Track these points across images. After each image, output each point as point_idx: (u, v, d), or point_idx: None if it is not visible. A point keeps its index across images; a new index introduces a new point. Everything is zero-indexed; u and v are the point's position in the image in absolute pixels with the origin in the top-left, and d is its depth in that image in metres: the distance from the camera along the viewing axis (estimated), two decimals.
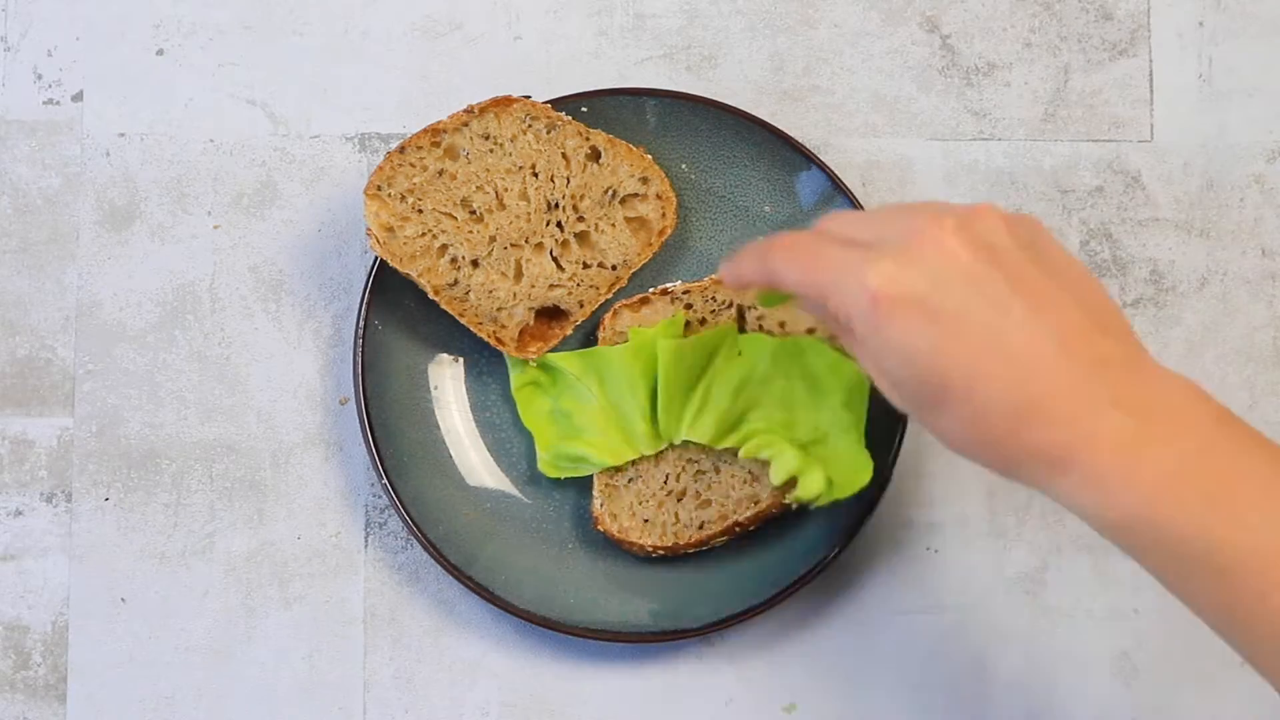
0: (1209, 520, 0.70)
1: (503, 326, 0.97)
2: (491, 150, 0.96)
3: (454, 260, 0.96)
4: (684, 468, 0.97)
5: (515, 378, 0.98)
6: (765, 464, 0.95)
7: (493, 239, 0.96)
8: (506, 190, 0.96)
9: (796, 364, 0.95)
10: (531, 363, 0.97)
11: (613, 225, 0.98)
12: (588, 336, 0.99)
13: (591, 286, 0.98)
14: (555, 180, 0.97)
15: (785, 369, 0.95)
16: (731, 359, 0.96)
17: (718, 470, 0.96)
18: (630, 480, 0.96)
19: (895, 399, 0.75)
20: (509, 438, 0.99)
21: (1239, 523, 0.70)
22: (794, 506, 0.95)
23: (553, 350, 0.98)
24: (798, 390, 0.95)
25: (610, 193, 0.98)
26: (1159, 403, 0.72)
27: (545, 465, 0.97)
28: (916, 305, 0.71)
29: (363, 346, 0.96)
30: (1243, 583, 0.70)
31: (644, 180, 0.98)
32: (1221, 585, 0.71)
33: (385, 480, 0.96)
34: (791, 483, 0.93)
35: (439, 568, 0.97)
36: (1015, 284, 0.72)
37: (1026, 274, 0.73)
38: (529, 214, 0.97)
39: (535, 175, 0.97)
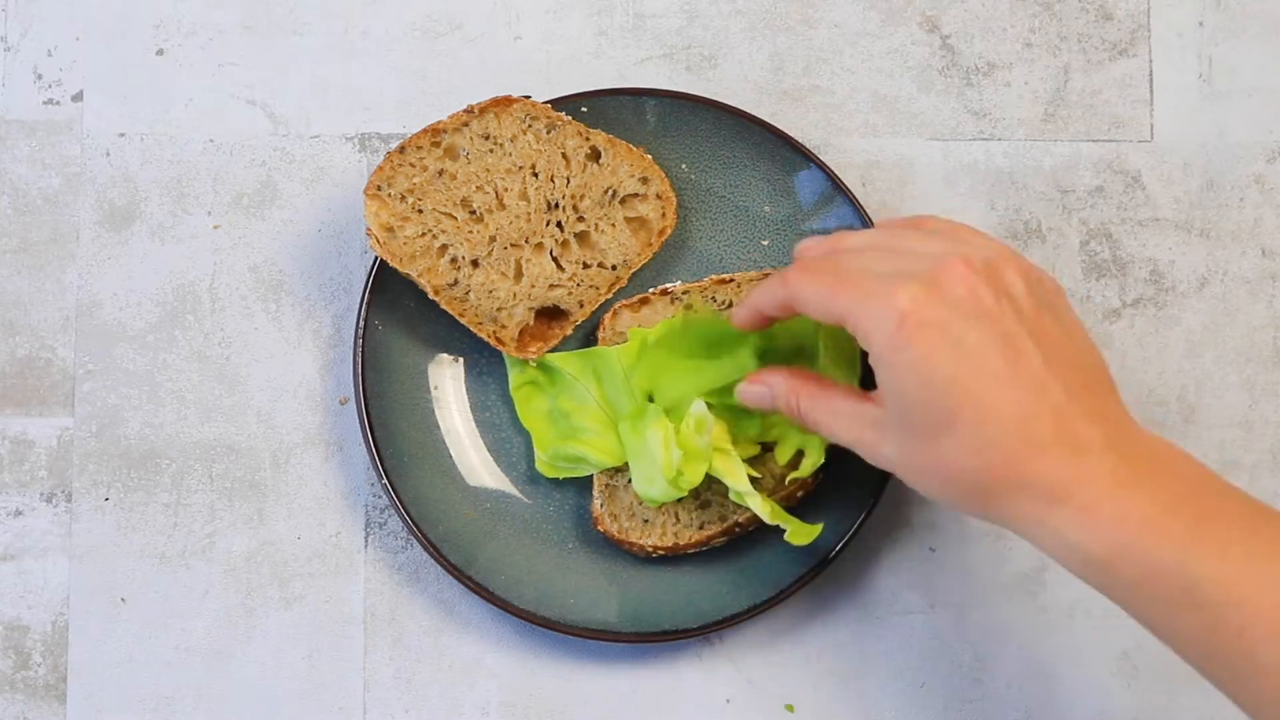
0: (1191, 553, 0.73)
1: (503, 326, 0.97)
2: (491, 150, 0.96)
3: (454, 260, 0.96)
4: None
5: (514, 377, 0.98)
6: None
7: (493, 239, 0.96)
8: (506, 190, 0.96)
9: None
10: (531, 362, 0.97)
11: (613, 225, 0.98)
12: (588, 336, 0.99)
13: (591, 286, 0.98)
14: (555, 180, 0.97)
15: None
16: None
17: None
18: (630, 480, 0.96)
19: (901, 423, 0.78)
20: (509, 438, 0.99)
21: (1220, 556, 0.73)
22: (796, 490, 0.95)
23: (552, 350, 0.98)
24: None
25: (610, 193, 0.98)
26: (1149, 453, 0.77)
27: (543, 465, 0.97)
28: (941, 331, 0.75)
29: (363, 346, 0.96)
30: (1221, 617, 0.72)
31: (644, 180, 0.98)
32: (1201, 620, 0.73)
33: (385, 480, 0.96)
34: (795, 460, 0.94)
35: (439, 568, 0.97)
36: (1031, 333, 0.77)
37: (1041, 327, 0.77)
38: (529, 214, 0.97)
39: (535, 175, 0.97)
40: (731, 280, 0.98)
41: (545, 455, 0.97)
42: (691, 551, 0.96)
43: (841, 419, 0.83)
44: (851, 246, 0.82)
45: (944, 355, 0.75)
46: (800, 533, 0.93)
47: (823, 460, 0.93)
